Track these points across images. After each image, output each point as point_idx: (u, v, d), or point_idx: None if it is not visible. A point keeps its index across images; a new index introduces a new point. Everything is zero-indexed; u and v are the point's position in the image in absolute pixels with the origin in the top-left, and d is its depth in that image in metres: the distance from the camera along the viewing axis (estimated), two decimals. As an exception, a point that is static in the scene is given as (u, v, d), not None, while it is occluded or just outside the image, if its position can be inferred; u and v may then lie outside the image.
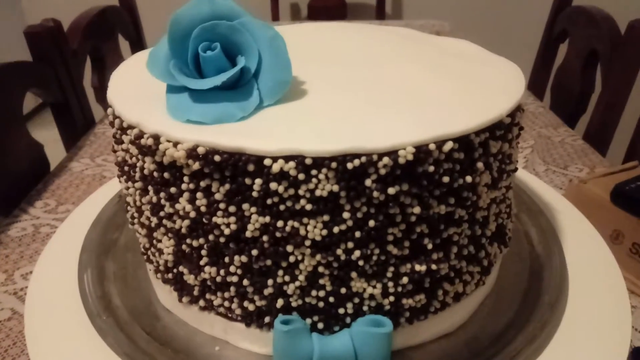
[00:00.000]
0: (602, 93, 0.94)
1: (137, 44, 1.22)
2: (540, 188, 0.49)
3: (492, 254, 0.33)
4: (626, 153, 0.89)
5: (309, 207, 0.25)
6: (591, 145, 0.85)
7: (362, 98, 0.30)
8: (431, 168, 0.25)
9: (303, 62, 0.34)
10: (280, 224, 0.26)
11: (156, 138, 0.26)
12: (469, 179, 0.27)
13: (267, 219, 0.26)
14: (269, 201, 0.25)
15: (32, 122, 1.73)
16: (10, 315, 0.49)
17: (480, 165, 0.27)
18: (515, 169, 0.33)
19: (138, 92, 0.31)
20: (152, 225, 0.30)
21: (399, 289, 0.28)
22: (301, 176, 0.24)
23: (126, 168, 0.31)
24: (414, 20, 1.55)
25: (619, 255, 0.52)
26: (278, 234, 0.26)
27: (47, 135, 0.98)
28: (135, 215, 0.32)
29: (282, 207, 0.25)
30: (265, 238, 0.26)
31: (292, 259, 0.27)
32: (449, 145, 0.25)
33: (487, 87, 0.32)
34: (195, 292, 0.30)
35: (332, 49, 0.39)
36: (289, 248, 0.26)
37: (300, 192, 0.25)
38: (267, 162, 0.24)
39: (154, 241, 0.31)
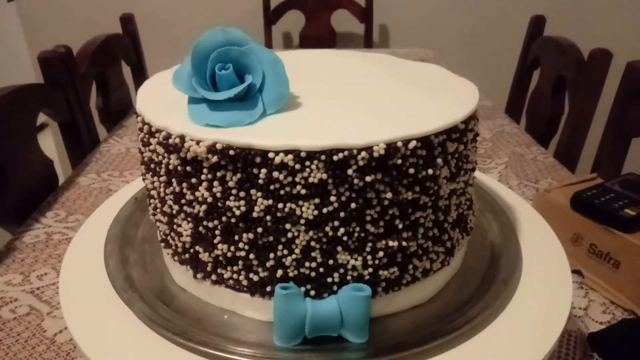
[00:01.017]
0: (568, 115, 1.03)
1: (138, 69, 1.30)
2: (505, 193, 0.56)
3: (454, 238, 0.39)
4: (592, 169, 0.97)
5: (303, 191, 0.32)
6: (561, 163, 0.93)
7: (346, 107, 0.37)
8: (399, 161, 0.32)
9: (298, 80, 0.42)
10: (280, 205, 0.32)
11: (182, 138, 0.33)
12: (430, 171, 0.34)
13: (270, 201, 0.32)
14: (271, 187, 0.32)
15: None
16: (29, 311, 0.55)
17: (439, 160, 0.34)
18: (473, 169, 0.41)
19: (162, 103, 0.38)
20: (174, 212, 0.37)
21: (376, 261, 0.35)
22: (297, 166, 0.31)
23: (152, 165, 0.37)
24: (400, 48, 1.65)
25: (580, 256, 0.59)
26: (279, 214, 0.33)
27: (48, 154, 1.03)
28: (159, 205, 0.39)
29: (282, 192, 0.32)
30: (268, 218, 0.33)
31: (289, 235, 0.33)
32: (412, 144, 0.33)
33: (448, 100, 0.39)
34: (209, 268, 0.37)
35: (322, 70, 0.46)
36: (287, 226, 0.33)
37: (297, 179, 0.32)
38: (270, 155, 0.31)
39: (174, 226, 0.38)
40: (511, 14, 1.87)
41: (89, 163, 0.91)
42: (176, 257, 0.39)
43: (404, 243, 0.35)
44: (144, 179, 0.40)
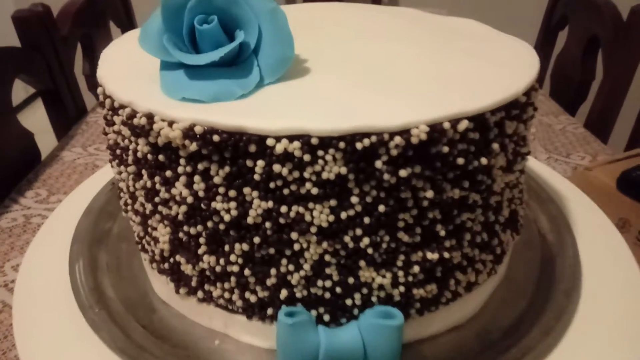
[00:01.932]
0: (603, 81, 0.93)
1: (129, 30, 1.20)
2: (546, 174, 0.47)
3: (505, 241, 0.31)
4: (628, 140, 0.88)
5: (314, 191, 0.23)
6: (592, 133, 0.84)
7: (371, 77, 0.28)
8: (445, 149, 0.24)
9: (305, 40, 0.32)
10: (284, 209, 0.24)
11: (150, 117, 0.24)
12: (484, 160, 0.25)
13: (270, 204, 0.24)
14: (272, 185, 0.24)
15: (22, 112, 1.70)
16: (1, 308, 0.48)
17: (495, 146, 0.26)
18: (529, 152, 0.32)
19: (130, 70, 0.29)
20: (147, 212, 0.28)
21: (410, 278, 0.27)
22: (307, 157, 0.23)
23: (118, 151, 0.29)
24: (410, 7, 1.53)
25: (626, 243, 0.51)
26: (282, 220, 0.24)
27: (39, 125, 0.95)
28: (129, 202, 0.30)
29: (286, 191, 0.24)
30: (267, 225, 0.25)
31: (296, 247, 0.25)
32: (464, 124, 0.24)
33: (501, 65, 0.30)
34: (193, 283, 0.29)
35: (336, 27, 0.37)
36: (294, 235, 0.25)
37: (306, 174, 0.23)
38: (269, 142, 0.22)
39: (149, 229, 0.29)
40: (533, -32, 1.73)
41: (74, 135, 0.83)
42: (154, 265, 0.31)
43: (446, 254, 0.27)
44: (111, 166, 0.32)
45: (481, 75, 0.28)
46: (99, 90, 0.29)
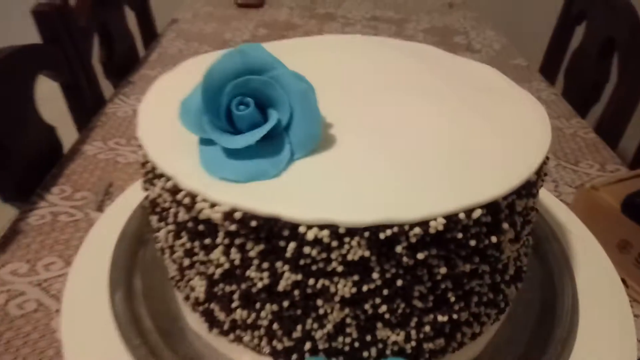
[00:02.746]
0: (617, 85, 0.93)
1: (143, 15, 1.20)
2: (552, 204, 0.50)
3: (509, 294, 0.34)
4: (637, 149, 0.90)
5: (340, 268, 0.26)
6: (602, 139, 0.85)
7: (393, 153, 0.30)
8: (459, 235, 0.26)
9: (329, 95, 0.34)
10: (311, 282, 0.27)
11: (193, 196, 0.27)
12: (494, 239, 0.28)
13: (299, 276, 0.27)
14: (301, 262, 0.26)
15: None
16: (37, 307, 0.52)
17: (505, 226, 0.28)
18: (536, 212, 0.34)
19: (169, 133, 0.31)
20: (184, 265, 0.31)
21: (421, 335, 0.30)
22: (334, 243, 0.25)
23: (158, 209, 0.31)
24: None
25: (625, 265, 0.54)
26: (309, 290, 0.27)
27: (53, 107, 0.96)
28: (167, 251, 0.33)
29: (314, 268, 0.26)
30: (296, 292, 0.28)
31: (321, 311, 0.28)
32: (477, 213, 0.26)
33: (516, 135, 0.32)
34: (226, 327, 0.32)
35: (357, 76, 0.39)
36: (319, 302, 0.28)
37: (333, 256, 0.26)
38: (301, 229, 0.25)
39: (185, 277, 0.32)
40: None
41: (94, 128, 0.85)
42: (188, 303, 0.34)
43: (455, 315, 0.30)
44: (149, 215, 0.35)
45: (495, 153, 0.30)
46: (141, 152, 0.32)
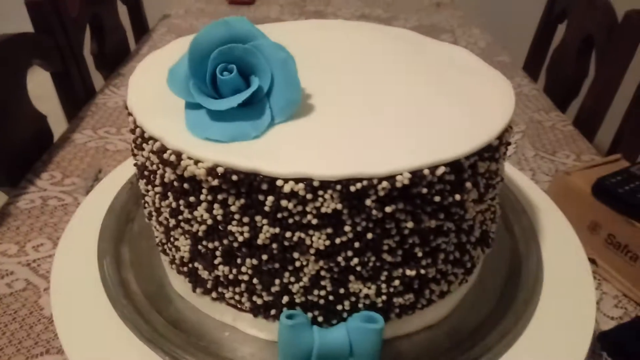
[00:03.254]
0: (594, 81, 0.96)
1: (135, 9, 1.21)
2: (525, 184, 0.52)
3: (475, 256, 0.36)
4: (612, 141, 0.93)
5: (314, 221, 0.28)
6: (580, 131, 0.88)
7: (365, 118, 0.33)
8: (424, 190, 0.28)
9: (310, 70, 0.37)
10: (288, 234, 0.29)
11: (178, 155, 0.29)
12: (457, 197, 0.30)
13: (277, 229, 0.29)
14: (279, 215, 0.28)
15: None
16: (25, 286, 0.53)
17: (468, 185, 0.30)
18: (502, 179, 0.37)
19: (157, 102, 0.33)
20: (170, 225, 0.33)
21: (391, 289, 0.32)
22: (309, 196, 0.27)
23: (146, 173, 0.33)
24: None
25: (596, 245, 0.57)
26: (286, 243, 0.29)
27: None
28: (154, 214, 0.35)
29: (290, 221, 0.29)
30: (274, 245, 0.30)
31: (297, 264, 0.30)
32: (441, 170, 0.28)
33: (481, 105, 0.34)
34: (208, 285, 0.34)
35: (337, 55, 0.41)
36: (295, 255, 0.30)
37: (308, 208, 0.28)
38: (279, 182, 0.27)
39: (171, 238, 0.34)
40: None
41: (84, 117, 0.87)
42: (174, 266, 0.36)
43: (422, 271, 0.32)
44: (138, 180, 0.37)
45: (461, 117, 0.33)
46: (129, 118, 0.34)
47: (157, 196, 0.33)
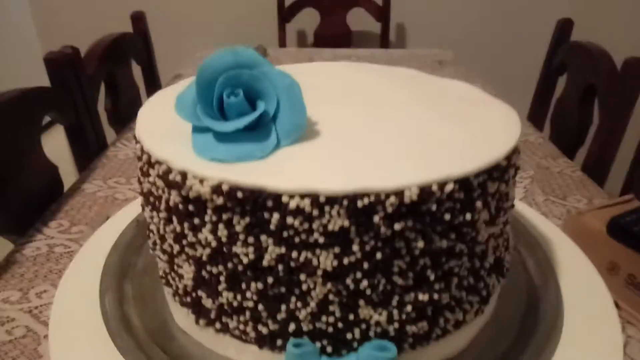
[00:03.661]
0: (599, 127, 0.97)
1: (149, 69, 1.26)
2: (537, 220, 0.51)
3: (490, 284, 0.35)
4: (623, 185, 0.92)
5: (321, 240, 0.28)
6: (589, 177, 0.87)
7: (371, 139, 0.33)
8: (434, 207, 0.28)
9: (314, 101, 0.37)
10: (294, 254, 0.28)
11: (183, 174, 0.29)
12: (468, 216, 0.29)
13: (283, 249, 0.28)
14: (284, 234, 0.28)
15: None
16: (25, 333, 0.52)
17: (479, 204, 0.30)
18: (512, 206, 0.36)
19: (164, 130, 0.34)
20: (174, 252, 0.33)
21: (403, 316, 0.31)
22: (315, 212, 0.27)
23: (151, 199, 0.33)
24: (417, 49, 1.59)
25: (616, 287, 0.54)
26: (292, 264, 0.28)
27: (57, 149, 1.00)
28: (158, 242, 0.35)
29: (296, 240, 0.28)
30: (280, 267, 0.29)
31: (304, 287, 0.29)
32: (450, 187, 0.28)
33: (486, 130, 0.34)
34: (212, 316, 0.32)
35: (342, 89, 0.42)
36: (302, 277, 0.29)
37: (314, 226, 0.27)
38: (284, 199, 0.27)
39: (175, 267, 0.33)
40: (534, 15, 1.81)
41: (95, 169, 0.88)
42: (177, 298, 0.35)
43: (436, 295, 0.31)
44: (143, 210, 0.36)
45: (468, 139, 0.33)
46: (137, 146, 0.34)
47: (162, 222, 0.32)
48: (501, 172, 0.31)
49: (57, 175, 0.83)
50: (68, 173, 0.91)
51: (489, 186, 0.30)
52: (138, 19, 1.23)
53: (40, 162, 0.80)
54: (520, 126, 0.35)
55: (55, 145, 0.98)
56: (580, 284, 0.41)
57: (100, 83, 1.02)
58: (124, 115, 1.09)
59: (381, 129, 0.34)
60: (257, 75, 0.31)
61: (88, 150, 0.94)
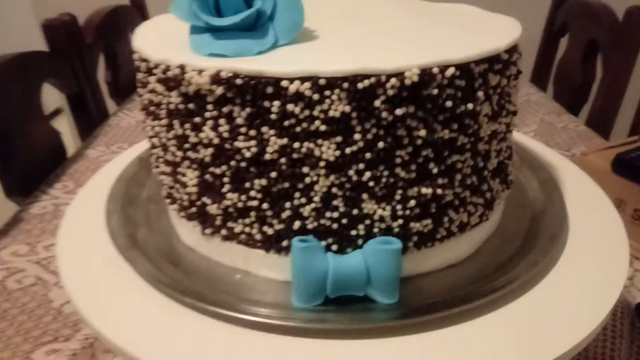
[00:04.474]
0: (602, 80, 0.96)
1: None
2: (540, 149, 0.51)
3: (494, 189, 0.35)
4: (628, 136, 0.91)
5: (323, 127, 0.28)
6: (594, 131, 0.87)
7: (371, 34, 0.33)
8: (435, 91, 0.28)
9: (313, 16, 0.37)
10: (297, 145, 0.28)
11: (182, 68, 0.29)
12: (470, 106, 0.29)
13: (285, 140, 0.28)
14: (286, 123, 0.28)
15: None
16: (35, 281, 0.52)
17: (480, 94, 0.30)
18: (515, 112, 0.36)
19: (162, 40, 0.34)
20: (177, 159, 0.33)
21: (407, 212, 0.30)
22: (316, 96, 0.27)
23: (152, 108, 0.33)
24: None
25: (623, 222, 0.54)
26: (295, 155, 0.28)
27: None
28: (161, 154, 0.35)
29: (298, 129, 0.28)
30: (283, 160, 0.29)
31: (307, 180, 0.29)
32: (450, 71, 0.28)
33: (486, 30, 0.34)
34: (218, 222, 0.33)
35: (339, 8, 0.41)
36: (305, 169, 0.29)
37: (315, 112, 0.27)
38: (284, 83, 0.27)
39: (178, 176, 0.33)
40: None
41: (97, 136, 0.88)
42: (182, 213, 0.35)
43: (439, 191, 0.30)
44: (144, 127, 0.36)
45: (468, 37, 0.32)
46: (135, 56, 0.34)
47: (164, 130, 0.32)
48: (502, 65, 0.31)
49: (60, 141, 0.84)
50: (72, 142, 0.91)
51: (490, 78, 0.30)
52: (135, -9, 1.23)
53: (43, 127, 0.80)
54: (520, 30, 0.35)
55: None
56: (585, 201, 0.41)
57: (98, 53, 1.02)
58: (124, 87, 1.09)
59: (381, 29, 0.34)
60: (254, -27, 0.30)
61: (90, 119, 0.94)
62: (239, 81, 0.27)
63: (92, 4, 1.18)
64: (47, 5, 1.71)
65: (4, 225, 0.63)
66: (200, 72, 0.28)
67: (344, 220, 0.30)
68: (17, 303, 0.50)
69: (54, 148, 0.83)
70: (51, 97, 0.87)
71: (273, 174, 0.29)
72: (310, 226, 0.30)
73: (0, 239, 0.60)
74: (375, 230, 0.31)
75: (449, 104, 0.28)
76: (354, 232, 0.30)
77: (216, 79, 0.27)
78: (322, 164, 0.28)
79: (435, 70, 0.27)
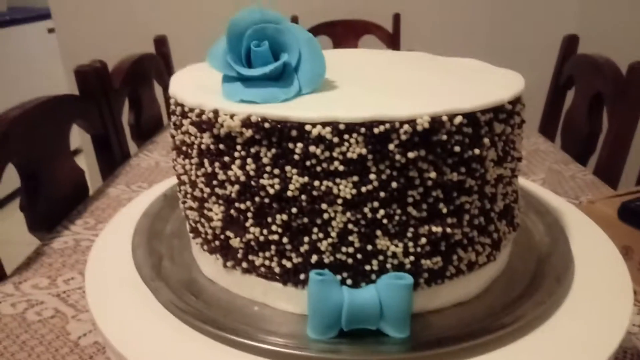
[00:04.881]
0: (608, 131, 0.99)
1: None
2: (546, 195, 0.53)
3: (501, 230, 0.37)
4: (635, 186, 0.93)
5: (341, 168, 0.30)
6: (602, 180, 0.88)
7: (386, 84, 0.36)
8: (444, 137, 0.30)
9: (334, 68, 0.41)
10: (317, 183, 0.31)
11: (216, 112, 0.32)
12: (477, 151, 0.32)
13: (306, 179, 0.31)
14: (307, 163, 0.30)
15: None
16: (54, 314, 0.54)
17: (486, 140, 0.32)
18: (520, 158, 0.38)
19: (196, 86, 0.37)
20: (205, 195, 0.35)
21: (418, 249, 0.32)
22: (335, 140, 0.30)
23: (184, 148, 0.36)
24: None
25: (630, 271, 0.55)
26: (315, 193, 0.31)
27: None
28: (189, 190, 0.37)
29: (318, 169, 0.30)
30: (303, 197, 0.31)
31: (325, 216, 0.31)
32: (459, 119, 0.31)
33: (491, 83, 0.37)
34: (239, 255, 0.35)
35: (357, 61, 0.45)
36: (324, 206, 0.31)
37: (335, 154, 0.30)
38: (307, 127, 0.30)
39: (205, 211, 0.36)
40: (541, 34, 1.85)
41: (119, 175, 0.92)
42: (205, 247, 0.37)
43: (449, 230, 0.32)
44: (174, 166, 0.39)
45: (474, 88, 0.35)
46: (171, 101, 0.37)
47: (194, 167, 0.35)
48: (506, 114, 0.34)
49: (84, 179, 0.87)
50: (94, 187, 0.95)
51: (495, 126, 0.33)
52: (160, 42, 1.30)
53: (69, 165, 0.84)
54: (524, 83, 0.38)
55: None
56: (590, 243, 0.43)
57: (124, 98, 1.07)
58: (146, 130, 1.14)
59: (395, 80, 0.37)
60: (281, 29, 0.34)
61: (113, 159, 0.98)
62: (267, 125, 0.30)
63: (116, 50, 1.25)
64: (75, 52, 1.80)
65: (26, 259, 0.65)
66: (232, 116, 0.31)
67: (359, 255, 0.32)
68: (35, 335, 0.51)
69: (78, 186, 0.86)
70: (72, 137, 0.91)
71: (294, 210, 0.32)
72: (326, 260, 0.32)
73: (22, 272, 0.62)
74: (388, 265, 0.32)
75: (457, 149, 0.31)
76: (368, 267, 0.32)
77: (246, 123, 0.31)
78: (339, 201, 0.31)
79: (445, 118, 0.30)
